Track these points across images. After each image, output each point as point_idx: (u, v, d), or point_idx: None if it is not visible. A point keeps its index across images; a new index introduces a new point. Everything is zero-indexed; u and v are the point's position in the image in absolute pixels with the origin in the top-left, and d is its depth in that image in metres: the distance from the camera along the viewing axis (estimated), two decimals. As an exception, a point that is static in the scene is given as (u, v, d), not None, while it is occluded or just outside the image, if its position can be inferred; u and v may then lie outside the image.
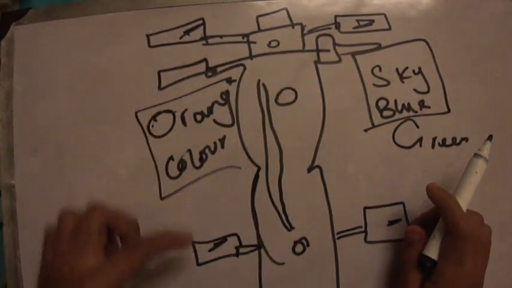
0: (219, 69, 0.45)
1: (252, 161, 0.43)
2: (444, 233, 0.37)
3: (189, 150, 0.43)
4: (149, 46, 0.45)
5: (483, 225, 0.37)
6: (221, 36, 0.46)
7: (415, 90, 0.45)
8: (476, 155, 0.39)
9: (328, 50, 0.46)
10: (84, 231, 0.33)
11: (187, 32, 0.46)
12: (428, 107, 0.45)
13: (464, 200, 0.38)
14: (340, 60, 0.45)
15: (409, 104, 0.45)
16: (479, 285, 0.36)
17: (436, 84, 0.45)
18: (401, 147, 0.44)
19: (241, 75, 0.45)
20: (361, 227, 0.43)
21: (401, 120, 0.45)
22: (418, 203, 0.43)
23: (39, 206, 0.43)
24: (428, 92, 0.45)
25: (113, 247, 0.36)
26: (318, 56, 0.45)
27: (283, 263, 0.42)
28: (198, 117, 0.44)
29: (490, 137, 0.40)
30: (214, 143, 0.43)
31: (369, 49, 0.46)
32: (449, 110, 0.45)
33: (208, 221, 0.42)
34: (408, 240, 0.39)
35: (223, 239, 0.42)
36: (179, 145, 0.43)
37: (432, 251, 0.37)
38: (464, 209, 0.37)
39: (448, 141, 0.44)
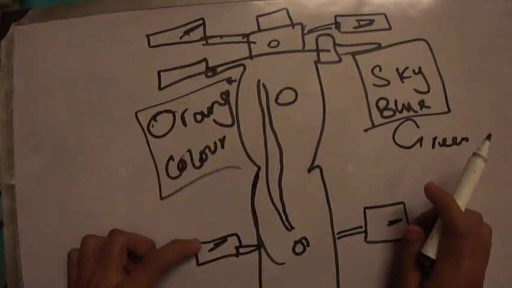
0: (219, 69, 0.45)
1: (252, 161, 0.43)
2: (442, 232, 0.37)
3: (189, 150, 0.43)
4: (149, 46, 0.45)
5: (482, 224, 0.37)
6: (221, 36, 0.46)
7: (415, 90, 0.45)
8: (474, 155, 0.39)
9: (328, 50, 0.46)
10: (107, 254, 0.37)
11: (187, 32, 0.46)
12: (429, 107, 0.45)
13: (463, 199, 0.38)
14: (340, 60, 0.45)
15: (409, 103, 0.45)
16: (478, 284, 0.36)
17: (436, 84, 0.45)
18: (402, 147, 0.44)
19: (241, 75, 0.45)
20: (361, 227, 0.43)
21: (401, 120, 0.45)
22: (418, 203, 0.43)
23: (39, 206, 0.43)
24: (428, 91, 0.45)
25: (131, 265, 0.39)
26: (318, 55, 0.45)
27: (283, 263, 0.42)
28: (198, 117, 0.44)
29: (489, 136, 0.40)
30: (214, 143, 0.43)
31: (369, 49, 0.46)
32: (449, 110, 0.45)
33: (208, 221, 0.42)
34: (406, 239, 0.39)
35: (223, 239, 0.42)
36: (179, 145, 0.43)
37: (430, 250, 0.37)
38: (462, 208, 0.37)
39: (449, 141, 0.44)
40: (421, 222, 0.40)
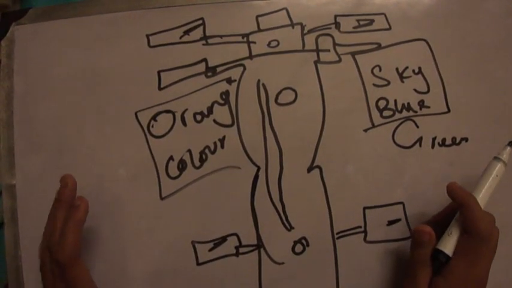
0: (218, 69, 0.45)
1: (252, 161, 0.43)
2: (462, 231, 0.37)
3: (189, 150, 0.43)
4: (149, 46, 0.45)
5: (494, 227, 0.38)
6: (221, 36, 0.46)
7: (415, 90, 0.45)
8: (496, 158, 0.39)
9: (328, 50, 0.46)
10: None
11: (187, 32, 0.46)
12: (428, 107, 0.45)
13: (482, 201, 0.38)
14: (340, 60, 0.45)
15: (409, 104, 0.45)
16: (483, 283, 0.36)
17: (436, 84, 0.45)
18: (401, 147, 0.44)
19: (241, 75, 0.45)
20: (360, 227, 0.43)
21: (401, 120, 0.45)
22: (417, 203, 0.43)
23: (40, 206, 0.43)
24: (428, 92, 0.45)
25: None
26: (318, 55, 0.45)
27: (283, 263, 0.42)
28: (198, 117, 0.44)
29: (510, 143, 0.40)
30: (214, 143, 0.43)
31: (368, 49, 0.46)
32: (449, 110, 0.45)
33: (208, 221, 0.42)
34: (417, 241, 0.38)
35: (223, 239, 0.42)
36: (179, 145, 0.43)
37: (448, 247, 0.37)
38: None
39: (448, 141, 0.44)
40: (434, 222, 0.40)
